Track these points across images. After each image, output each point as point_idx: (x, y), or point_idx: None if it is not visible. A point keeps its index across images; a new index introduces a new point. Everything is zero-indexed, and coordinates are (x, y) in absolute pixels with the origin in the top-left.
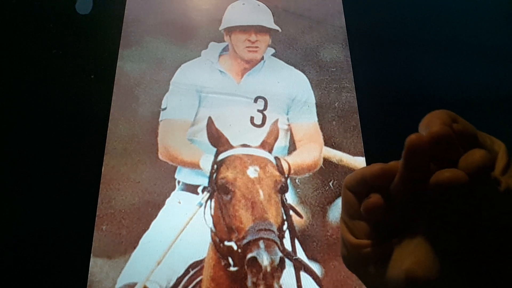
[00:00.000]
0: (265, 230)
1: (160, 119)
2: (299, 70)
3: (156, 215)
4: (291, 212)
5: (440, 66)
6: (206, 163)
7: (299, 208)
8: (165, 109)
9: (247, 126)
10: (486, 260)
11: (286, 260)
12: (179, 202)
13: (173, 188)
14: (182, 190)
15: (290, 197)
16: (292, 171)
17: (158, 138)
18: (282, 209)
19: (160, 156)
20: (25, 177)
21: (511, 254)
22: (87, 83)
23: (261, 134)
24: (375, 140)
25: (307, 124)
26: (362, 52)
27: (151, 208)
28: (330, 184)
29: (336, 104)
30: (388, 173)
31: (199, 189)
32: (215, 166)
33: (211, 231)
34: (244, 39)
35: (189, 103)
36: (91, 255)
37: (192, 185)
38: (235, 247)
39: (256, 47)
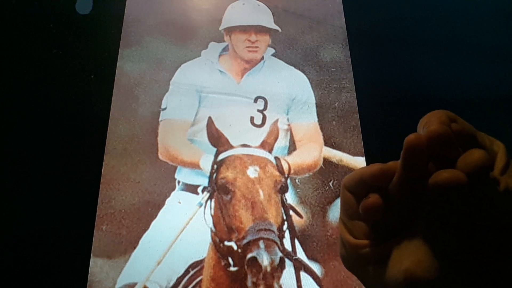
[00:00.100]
0: (265, 230)
1: (160, 119)
2: (299, 70)
3: (156, 215)
4: (291, 212)
5: (440, 66)
6: (206, 163)
7: (299, 208)
8: (165, 109)
9: (247, 126)
10: (486, 260)
11: (286, 260)
12: (179, 202)
13: (173, 188)
14: (182, 190)
15: (290, 197)
16: (292, 171)
17: (158, 138)
18: (282, 209)
19: (160, 156)
20: (25, 177)
21: (510, 254)
22: (87, 83)
23: (261, 134)
24: (375, 140)
25: (307, 124)
26: (362, 52)
27: (151, 208)
28: (330, 184)
29: (336, 104)
30: (386, 173)
31: (199, 189)
32: (215, 166)
33: (211, 231)
34: (244, 39)
35: (189, 103)
36: (91, 255)
37: (192, 185)
38: (235, 247)
39: (256, 47)
